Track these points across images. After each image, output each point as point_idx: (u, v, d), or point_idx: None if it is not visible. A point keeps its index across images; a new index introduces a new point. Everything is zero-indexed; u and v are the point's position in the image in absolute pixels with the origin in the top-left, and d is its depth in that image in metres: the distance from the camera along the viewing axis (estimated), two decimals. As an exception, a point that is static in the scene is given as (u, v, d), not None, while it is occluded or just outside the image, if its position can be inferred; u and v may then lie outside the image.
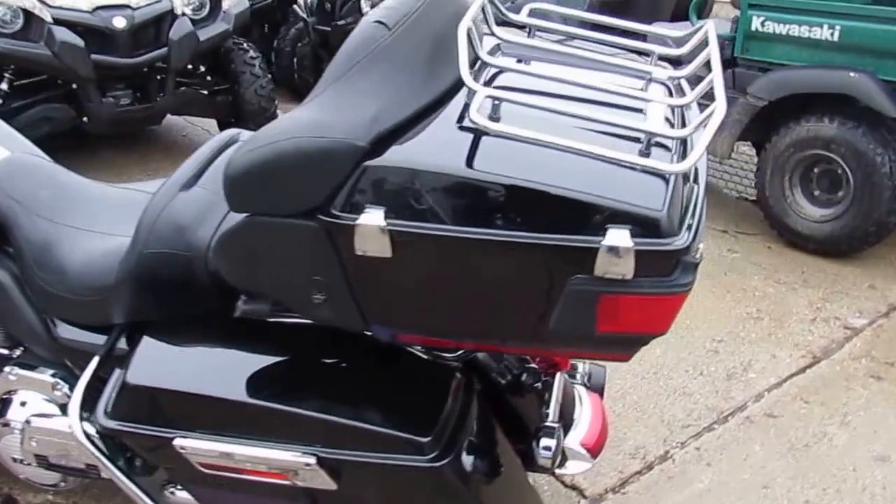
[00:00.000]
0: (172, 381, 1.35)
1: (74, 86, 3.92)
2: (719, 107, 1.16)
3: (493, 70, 1.35)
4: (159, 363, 1.39)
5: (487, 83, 1.32)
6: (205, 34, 4.10)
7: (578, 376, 1.91)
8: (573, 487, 2.12)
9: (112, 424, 1.37)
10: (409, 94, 1.22)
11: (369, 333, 1.28)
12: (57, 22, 3.72)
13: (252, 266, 1.26)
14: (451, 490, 1.32)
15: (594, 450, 1.68)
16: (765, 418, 2.43)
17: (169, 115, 4.47)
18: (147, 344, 1.42)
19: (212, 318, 1.44)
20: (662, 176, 1.17)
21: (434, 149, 1.18)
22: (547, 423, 1.46)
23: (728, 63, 3.57)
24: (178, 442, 1.33)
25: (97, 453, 1.44)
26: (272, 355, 1.38)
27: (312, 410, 1.30)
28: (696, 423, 2.39)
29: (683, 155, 1.25)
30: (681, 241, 1.12)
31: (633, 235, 1.10)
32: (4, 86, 3.88)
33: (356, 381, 1.38)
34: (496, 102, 1.21)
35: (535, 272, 1.16)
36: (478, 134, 1.17)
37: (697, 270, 1.17)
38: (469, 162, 1.15)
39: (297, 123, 1.17)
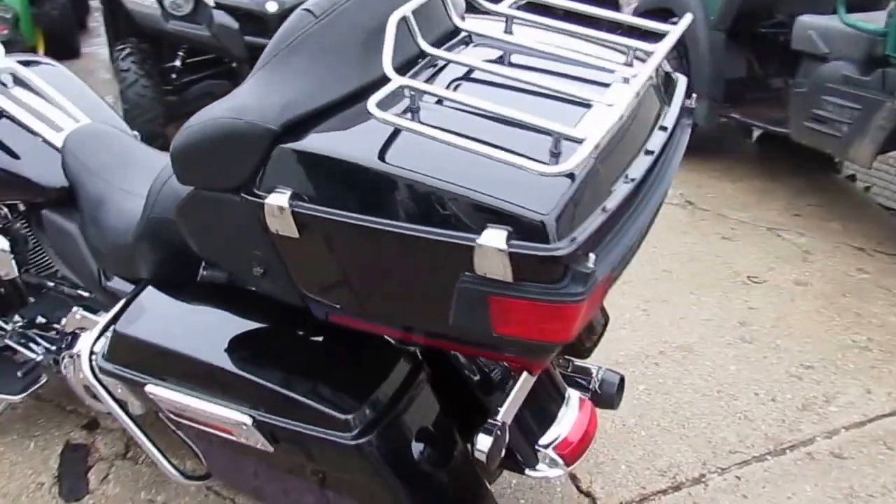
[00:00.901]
0: (149, 333, 1.51)
1: (234, 64, 4.33)
2: (619, 102, 1.11)
3: (441, 62, 1.36)
4: (145, 317, 1.56)
5: (432, 75, 1.33)
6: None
7: (591, 382, 1.87)
8: (587, 494, 2.08)
9: (105, 365, 1.56)
10: (332, 81, 1.25)
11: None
12: (218, 6, 4.11)
13: (203, 237, 1.38)
14: (371, 469, 1.36)
15: (567, 457, 1.64)
16: (829, 457, 2.21)
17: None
18: (141, 299, 1.59)
19: (199, 282, 1.59)
20: (570, 177, 1.13)
21: (344, 137, 1.21)
22: (490, 421, 1.46)
23: (879, 62, 3.19)
24: (148, 388, 1.49)
25: (100, 388, 1.64)
26: (236, 321, 1.50)
27: (253, 375, 1.40)
28: (747, 451, 2.23)
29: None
30: (562, 249, 1.08)
31: (513, 237, 1.08)
32: (178, 63, 4.37)
33: (303, 353, 1.47)
34: (412, 94, 1.22)
35: (429, 265, 1.17)
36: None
37: (594, 281, 1.12)
38: (371, 151, 1.17)
39: (222, 105, 1.26)
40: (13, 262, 2.08)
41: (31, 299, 2.22)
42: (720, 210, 3.81)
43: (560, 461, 1.63)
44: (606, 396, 1.87)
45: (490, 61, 1.40)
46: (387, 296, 1.27)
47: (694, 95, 1.56)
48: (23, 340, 2.14)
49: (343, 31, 1.29)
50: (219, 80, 4.41)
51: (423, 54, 1.34)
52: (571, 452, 1.65)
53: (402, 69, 1.31)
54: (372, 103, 1.16)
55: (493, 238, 1.08)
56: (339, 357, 1.47)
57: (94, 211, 1.84)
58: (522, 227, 1.09)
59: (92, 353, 1.63)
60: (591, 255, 1.11)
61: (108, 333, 1.60)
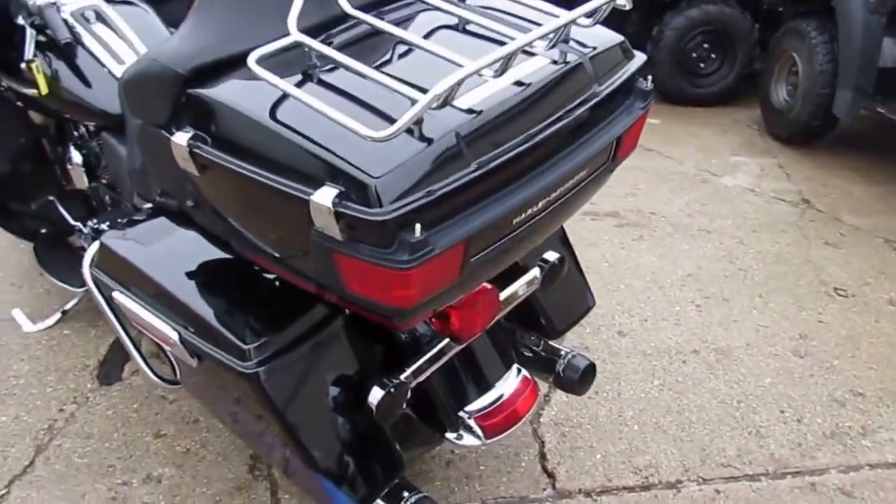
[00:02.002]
0: (121, 248, 1.70)
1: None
2: (473, 65, 1.11)
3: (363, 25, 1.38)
4: (125, 234, 1.75)
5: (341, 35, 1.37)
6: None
7: (558, 364, 1.85)
8: (550, 474, 2.06)
9: (93, 270, 1.78)
10: (247, 32, 1.32)
11: None
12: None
13: (153, 167, 1.54)
14: (261, 399, 1.46)
15: (487, 429, 1.65)
16: (835, 492, 2.02)
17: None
18: (133, 220, 1.79)
19: (176, 212, 1.75)
20: (429, 141, 1.14)
21: (239, 87, 1.28)
22: (388, 377, 1.50)
23: None
24: (114, 295, 1.69)
25: (93, 288, 1.86)
26: (191, 249, 1.64)
27: (185, 297, 1.55)
28: (741, 468, 2.09)
29: None
30: (380, 214, 1.10)
31: (343, 197, 1.12)
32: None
33: (232, 285, 1.58)
34: (307, 50, 1.26)
35: (290, 217, 1.23)
36: None
37: (425, 252, 1.14)
38: (253, 102, 1.24)
39: (155, 48, 1.38)
40: (84, 174, 2.38)
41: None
42: (837, 213, 3.46)
43: (479, 431, 1.65)
44: (568, 381, 1.84)
45: (403, 24, 1.41)
46: (266, 243, 1.35)
47: (649, 77, 1.48)
48: (89, 243, 2.46)
49: None
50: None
51: (347, 16, 1.39)
52: (493, 425, 1.66)
53: (321, 27, 1.37)
54: (255, 55, 1.23)
55: (324, 195, 1.12)
56: (262, 293, 1.57)
57: (131, 137, 2.07)
58: (354, 189, 1.12)
59: (92, 259, 1.86)
60: (417, 226, 1.12)
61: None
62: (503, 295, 1.69)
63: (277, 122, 1.21)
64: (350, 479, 1.53)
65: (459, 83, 1.11)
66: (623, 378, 2.41)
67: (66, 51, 2.10)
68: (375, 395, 1.49)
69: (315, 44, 1.25)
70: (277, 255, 1.37)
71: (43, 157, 2.54)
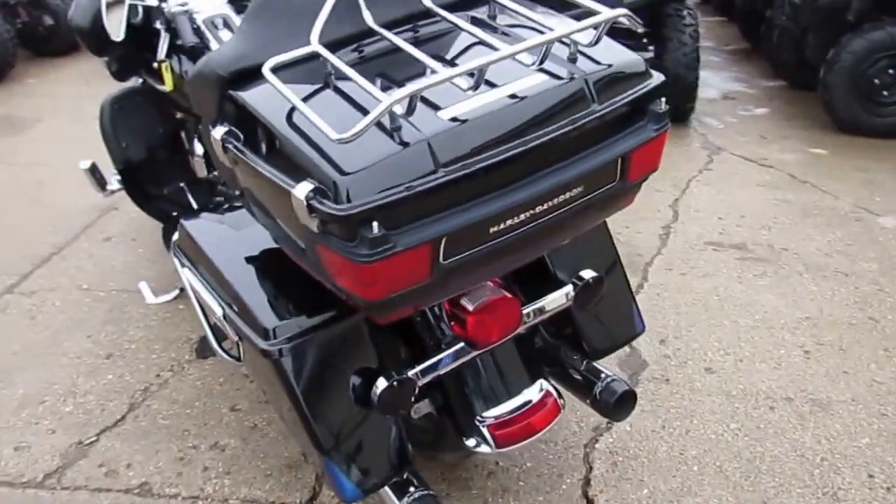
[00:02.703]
0: (193, 230, 1.87)
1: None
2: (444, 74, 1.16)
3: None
4: (200, 218, 1.92)
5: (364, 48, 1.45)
6: (632, -1, 4.25)
7: (596, 386, 1.79)
8: (590, 501, 1.98)
9: (174, 249, 1.98)
10: (285, 40, 1.43)
11: None
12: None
13: (213, 158, 1.68)
14: (279, 377, 1.55)
15: (499, 438, 1.65)
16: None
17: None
18: (214, 204, 1.97)
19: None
20: (401, 147, 1.19)
21: (263, 90, 1.38)
22: (395, 373, 1.53)
23: None
24: (185, 271, 1.87)
25: (176, 263, 2.04)
26: (247, 237, 1.76)
27: (230, 277, 1.69)
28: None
29: None
30: (345, 209, 1.15)
31: (317, 192, 1.19)
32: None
33: (275, 271, 1.68)
34: (323, 59, 1.35)
35: (292, 211, 1.30)
36: None
37: (385, 249, 1.18)
38: (270, 105, 1.34)
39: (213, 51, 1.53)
40: (204, 164, 2.63)
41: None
42: None
43: (490, 439, 1.65)
44: (604, 404, 1.78)
45: (421, 41, 1.45)
46: (285, 235, 1.44)
47: (662, 100, 1.41)
48: None
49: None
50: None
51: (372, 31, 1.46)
52: (504, 435, 1.64)
53: (350, 39, 1.46)
54: (270, 62, 1.34)
55: (301, 189, 1.21)
56: (295, 282, 1.66)
57: None
58: (326, 185, 1.19)
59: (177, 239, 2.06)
60: (374, 223, 1.17)
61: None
62: (529, 308, 1.68)
63: (281, 123, 1.31)
64: (355, 467, 1.58)
65: (419, 91, 1.17)
66: (697, 416, 2.26)
67: (192, 53, 2.34)
68: (379, 386, 1.53)
69: (329, 55, 1.34)
70: (293, 247, 1.46)
71: (177, 147, 2.84)
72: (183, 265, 1.92)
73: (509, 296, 1.59)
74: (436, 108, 1.27)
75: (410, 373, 1.56)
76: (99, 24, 2.37)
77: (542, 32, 1.42)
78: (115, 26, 2.34)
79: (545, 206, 1.33)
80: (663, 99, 1.42)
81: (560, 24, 1.40)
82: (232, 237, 1.81)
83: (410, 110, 1.21)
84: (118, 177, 2.90)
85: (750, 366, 2.48)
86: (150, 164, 2.85)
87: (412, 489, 1.60)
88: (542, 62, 1.34)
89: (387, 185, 1.18)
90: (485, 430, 1.65)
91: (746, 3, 5.88)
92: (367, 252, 1.18)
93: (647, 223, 3.45)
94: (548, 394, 1.71)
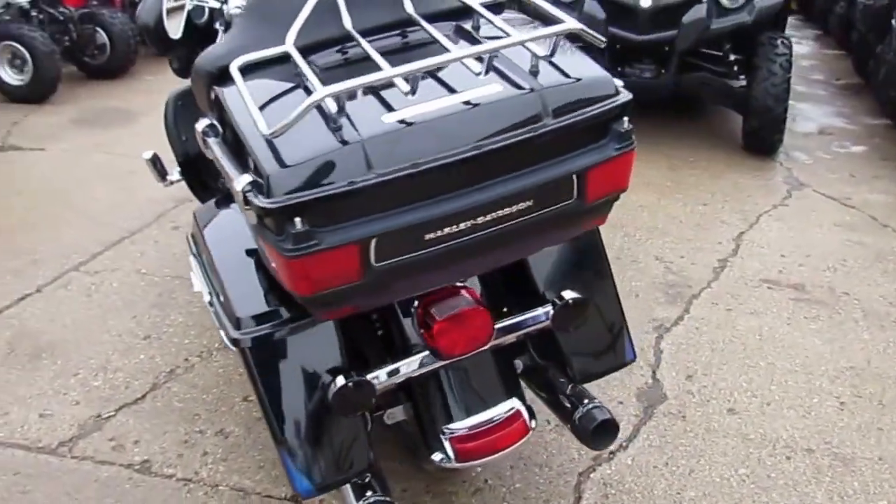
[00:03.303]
0: (201, 219, 1.94)
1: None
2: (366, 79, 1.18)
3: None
4: (209, 209, 2.00)
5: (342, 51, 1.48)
6: (720, 22, 4.11)
7: (577, 411, 1.75)
8: None
9: (188, 238, 2.07)
10: (266, 41, 1.48)
11: None
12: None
13: None
14: (245, 365, 1.60)
15: (459, 452, 1.63)
16: None
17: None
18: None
19: None
20: (335, 146, 1.23)
21: (234, 87, 1.44)
22: (354, 373, 1.54)
23: None
24: (190, 258, 1.95)
25: (190, 258, 2.12)
26: (240, 226, 1.83)
27: (218, 266, 1.74)
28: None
29: None
30: (270, 203, 1.18)
31: (253, 185, 1.23)
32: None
33: (257, 264, 1.73)
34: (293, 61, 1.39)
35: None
36: None
37: (308, 245, 1.20)
38: (238, 100, 1.39)
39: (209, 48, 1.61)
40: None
41: None
42: None
43: (451, 452, 1.63)
44: (582, 431, 1.74)
45: (392, 49, 1.46)
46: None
47: (625, 119, 1.36)
48: None
49: (284, 1, 1.51)
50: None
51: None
52: (465, 450, 1.63)
53: (328, 43, 1.50)
54: (238, 61, 1.39)
55: (240, 181, 1.25)
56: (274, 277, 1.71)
57: None
58: (262, 178, 1.23)
59: None
60: (297, 219, 1.19)
61: None
62: (502, 324, 1.65)
63: (239, 118, 1.36)
64: (312, 463, 1.60)
65: (344, 91, 1.21)
66: (706, 457, 2.15)
67: None
68: (336, 382, 1.54)
69: (297, 57, 1.38)
70: (253, 238, 1.50)
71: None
72: (191, 253, 2.01)
73: (481, 308, 1.57)
74: (384, 111, 1.28)
75: (370, 376, 1.56)
76: (162, 23, 2.52)
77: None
78: (174, 25, 2.48)
79: (488, 218, 1.31)
80: (626, 119, 1.38)
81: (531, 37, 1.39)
82: (235, 230, 1.88)
83: (341, 110, 1.22)
84: (178, 168, 3.06)
85: (776, 411, 2.33)
86: (206, 157, 2.99)
87: (369, 493, 1.60)
88: (487, 71, 1.33)
89: (315, 182, 1.20)
90: (447, 442, 1.63)
91: (860, 37, 5.57)
92: (292, 247, 1.21)
93: (704, 254, 3.31)
94: (517, 413, 1.67)
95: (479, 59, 1.36)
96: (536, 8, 1.49)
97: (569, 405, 1.77)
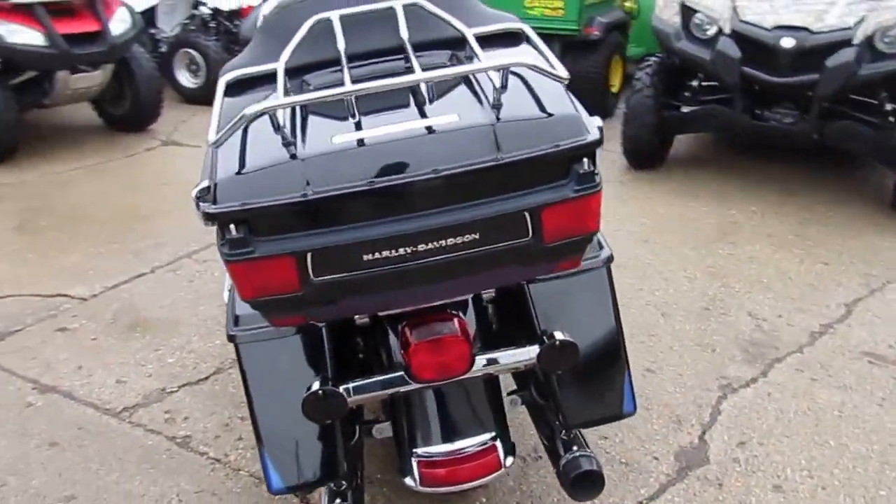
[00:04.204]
0: None
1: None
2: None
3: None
4: None
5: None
6: (872, 68, 3.78)
7: (563, 458, 1.70)
8: None
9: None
10: (273, 58, 1.59)
11: None
12: (733, 33, 4.09)
13: None
14: (238, 361, 1.70)
15: (424, 476, 1.64)
16: None
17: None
18: None
19: None
20: (278, 162, 1.31)
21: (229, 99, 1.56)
22: (329, 383, 1.59)
23: None
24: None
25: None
26: None
27: None
28: None
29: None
30: (211, 209, 1.28)
31: (204, 191, 1.34)
32: (695, 82, 4.53)
33: None
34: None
35: None
36: None
37: (245, 252, 1.28)
38: (231, 109, 1.50)
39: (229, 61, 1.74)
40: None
41: None
42: None
43: (416, 475, 1.64)
44: (563, 477, 1.71)
45: (378, 77, 1.50)
46: None
47: (585, 160, 1.31)
48: None
49: (294, 21, 1.61)
50: (722, 105, 4.38)
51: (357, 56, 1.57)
52: (429, 475, 1.63)
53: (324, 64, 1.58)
54: (227, 76, 1.51)
55: (197, 187, 1.36)
56: None
57: None
58: (211, 186, 1.33)
59: None
60: (232, 226, 1.27)
61: None
62: (483, 356, 1.63)
63: (225, 126, 1.46)
64: (286, 464, 1.67)
65: (272, 109, 1.29)
66: (728, 531, 1.99)
67: None
68: (312, 387, 1.59)
69: (280, 75, 1.48)
70: None
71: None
72: None
73: (460, 338, 1.57)
74: (342, 131, 1.34)
75: (342, 387, 1.60)
76: None
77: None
78: None
79: (430, 246, 1.32)
80: (586, 160, 1.33)
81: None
82: None
83: (293, 127, 1.29)
84: None
85: (831, 497, 2.11)
86: None
87: (338, 501, 1.65)
88: (432, 100, 1.35)
89: (256, 193, 1.28)
90: (414, 464, 1.64)
91: None
92: (227, 252, 1.29)
93: (806, 317, 3.05)
94: (491, 448, 1.65)
95: (449, 87, 1.38)
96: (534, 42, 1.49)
97: (559, 449, 1.72)
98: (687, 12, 4.30)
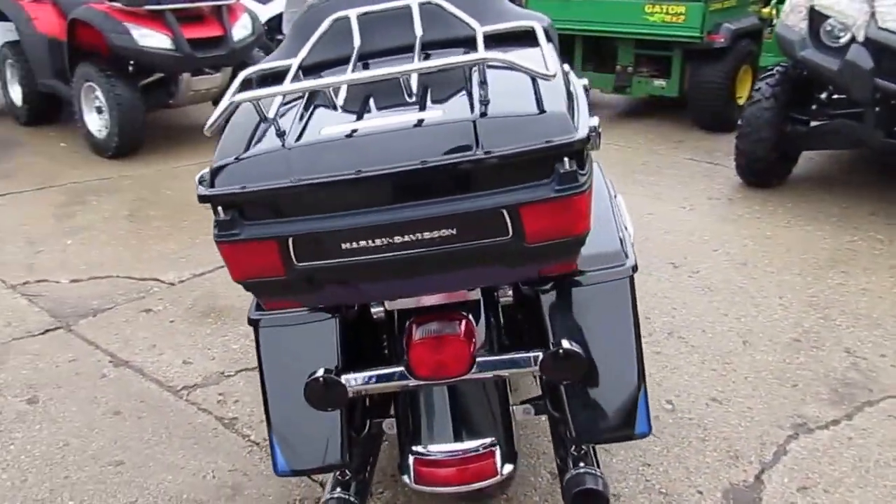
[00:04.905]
0: None
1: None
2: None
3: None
4: None
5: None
6: None
7: (570, 471, 1.63)
8: None
9: None
10: (291, 56, 1.62)
11: None
12: (867, 41, 3.74)
13: None
14: (256, 345, 1.73)
15: (417, 474, 1.61)
16: None
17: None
18: None
19: None
20: (266, 151, 1.34)
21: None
22: (338, 373, 1.59)
23: None
24: None
25: None
26: None
27: None
28: None
29: None
30: (204, 192, 1.32)
31: (205, 175, 1.38)
32: (823, 95, 4.18)
33: None
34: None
35: None
36: None
37: (233, 234, 1.32)
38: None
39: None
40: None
41: None
42: None
43: (411, 472, 1.62)
44: (566, 492, 1.65)
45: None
46: None
47: (566, 159, 1.22)
48: None
49: (319, 20, 1.63)
50: (849, 120, 4.01)
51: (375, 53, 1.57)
52: (422, 474, 1.61)
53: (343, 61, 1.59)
54: (246, 72, 1.54)
55: (203, 171, 1.40)
56: None
57: None
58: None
59: None
60: (220, 208, 1.30)
61: None
62: (484, 359, 1.58)
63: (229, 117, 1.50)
64: (292, 447, 1.69)
65: (256, 98, 1.33)
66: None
67: None
68: (314, 374, 1.60)
69: (292, 72, 1.51)
70: None
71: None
72: None
73: (460, 339, 1.53)
74: (330, 123, 1.34)
75: (344, 377, 1.60)
76: None
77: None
78: None
79: (406, 239, 1.30)
80: (567, 159, 1.25)
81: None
82: None
83: (263, 118, 1.30)
84: None
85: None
86: None
87: (338, 489, 1.65)
88: (421, 94, 1.32)
89: (244, 180, 1.30)
90: (410, 461, 1.61)
91: None
92: (217, 233, 1.33)
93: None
94: (489, 454, 1.59)
95: (445, 82, 1.35)
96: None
97: (568, 463, 1.65)
98: (817, 18, 3.96)
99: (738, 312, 3.06)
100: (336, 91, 1.45)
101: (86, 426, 2.41)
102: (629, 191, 4.48)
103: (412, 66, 1.31)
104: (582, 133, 1.28)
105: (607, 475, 2.12)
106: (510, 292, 1.67)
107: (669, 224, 3.99)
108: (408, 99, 1.41)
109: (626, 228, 1.83)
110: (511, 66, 1.29)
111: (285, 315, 1.69)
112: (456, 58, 1.30)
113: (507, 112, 1.30)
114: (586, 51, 6.13)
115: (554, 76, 1.32)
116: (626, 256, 1.67)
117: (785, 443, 2.28)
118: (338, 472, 1.69)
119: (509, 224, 1.29)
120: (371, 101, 1.43)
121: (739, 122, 4.30)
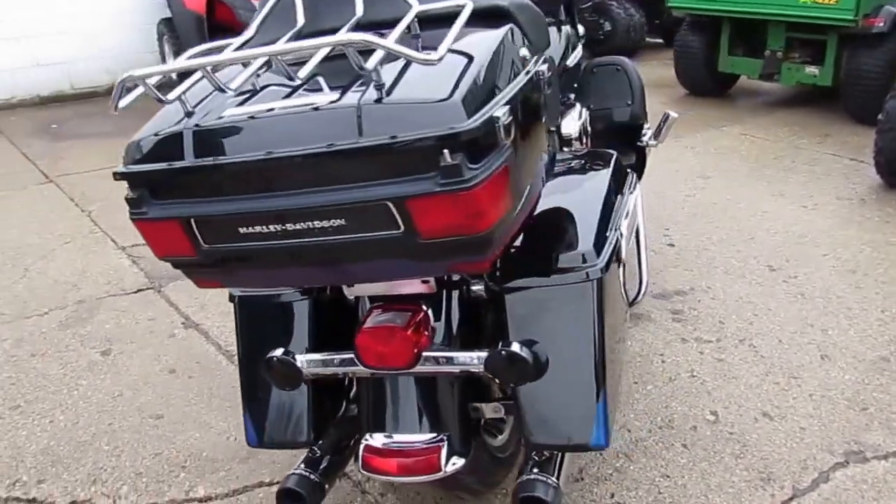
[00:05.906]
0: None
1: None
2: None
3: None
4: None
5: None
6: None
7: (525, 475, 1.58)
8: None
9: None
10: (281, 28, 1.64)
11: None
12: None
13: None
14: (235, 321, 1.79)
15: (364, 461, 1.59)
16: None
17: None
18: None
19: None
20: (173, 129, 1.39)
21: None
22: (291, 352, 1.62)
23: None
24: None
25: None
26: None
27: None
28: None
29: None
30: (120, 169, 1.37)
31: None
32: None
33: None
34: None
35: None
36: None
37: (141, 212, 1.38)
38: None
39: None
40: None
41: None
42: None
43: (360, 458, 1.61)
44: (513, 495, 1.58)
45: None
46: None
47: (446, 152, 1.14)
48: None
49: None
50: None
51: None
52: (368, 460, 1.59)
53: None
54: (193, 50, 1.59)
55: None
56: None
57: None
58: None
59: None
60: (127, 186, 1.37)
61: None
62: (429, 353, 1.54)
63: None
64: (262, 421, 1.75)
65: (144, 77, 1.32)
66: None
67: None
68: (273, 354, 1.64)
69: (226, 52, 1.53)
70: None
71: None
72: None
73: (404, 331, 1.51)
74: (236, 104, 1.36)
75: (300, 358, 1.62)
76: None
77: None
78: None
79: (298, 227, 1.28)
80: (447, 151, 1.16)
81: None
82: None
83: (156, 94, 1.33)
84: None
85: None
86: None
87: (302, 466, 1.68)
88: (333, 80, 1.29)
89: (149, 158, 1.35)
90: (361, 447, 1.60)
91: None
92: (129, 210, 1.38)
93: None
94: (434, 449, 1.55)
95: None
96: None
97: (527, 465, 1.57)
98: None
99: (827, 324, 2.75)
100: (260, 71, 1.45)
101: (141, 380, 2.62)
102: (749, 186, 4.15)
103: (289, 47, 1.29)
104: (471, 124, 1.19)
105: (619, 481, 2.03)
106: (480, 287, 1.62)
107: (783, 224, 3.65)
108: (314, 82, 1.38)
109: (616, 229, 1.71)
110: (379, 48, 1.22)
111: (262, 294, 1.74)
112: (322, 39, 1.25)
113: (396, 99, 1.24)
114: (734, 34, 5.72)
115: (438, 61, 1.23)
116: (595, 259, 1.56)
117: (830, 470, 2.03)
118: (309, 450, 1.72)
119: (398, 217, 1.24)
120: (277, 82, 1.41)
121: (880, 116, 3.84)
